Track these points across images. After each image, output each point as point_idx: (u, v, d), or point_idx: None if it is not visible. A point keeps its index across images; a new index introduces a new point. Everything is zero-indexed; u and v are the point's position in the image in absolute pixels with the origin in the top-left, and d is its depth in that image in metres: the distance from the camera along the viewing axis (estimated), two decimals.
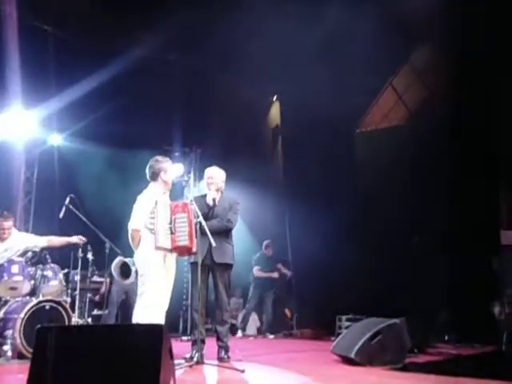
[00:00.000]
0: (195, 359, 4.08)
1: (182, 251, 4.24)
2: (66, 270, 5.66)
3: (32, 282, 5.05)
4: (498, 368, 4.57)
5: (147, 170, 4.45)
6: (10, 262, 5.02)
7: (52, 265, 5.27)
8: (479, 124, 6.89)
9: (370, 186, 8.30)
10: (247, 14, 6.53)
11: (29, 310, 4.57)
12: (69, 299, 5.47)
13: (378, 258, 7.68)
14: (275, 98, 9.99)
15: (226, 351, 4.67)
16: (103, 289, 7.07)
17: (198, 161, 9.05)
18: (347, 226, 7.75)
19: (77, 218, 5.74)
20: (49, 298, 4.85)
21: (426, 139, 7.71)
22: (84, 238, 5.59)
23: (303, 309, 8.53)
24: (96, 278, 6.80)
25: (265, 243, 8.60)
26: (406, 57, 8.41)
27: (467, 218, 6.90)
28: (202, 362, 4.06)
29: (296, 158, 8.96)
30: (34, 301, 4.69)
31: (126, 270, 4.69)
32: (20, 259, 5.11)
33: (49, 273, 5.16)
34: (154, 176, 4.39)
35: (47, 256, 5.29)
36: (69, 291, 5.73)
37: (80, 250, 5.88)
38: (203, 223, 4.22)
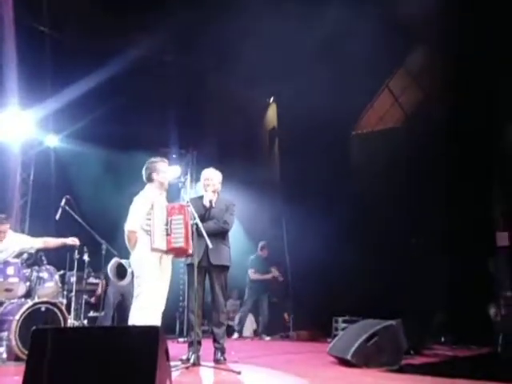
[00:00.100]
0: (191, 361, 4.08)
1: (177, 253, 4.24)
2: (61, 272, 5.65)
3: (27, 283, 5.03)
4: (494, 370, 4.57)
5: (143, 172, 4.46)
6: (6, 263, 5.01)
7: (48, 266, 5.26)
8: (475, 126, 6.91)
9: (367, 188, 8.31)
10: (244, 15, 6.54)
11: (24, 312, 4.55)
12: (64, 301, 5.45)
13: (375, 259, 7.68)
14: (272, 99, 10.00)
15: (223, 353, 4.66)
16: (99, 290, 7.07)
17: (194, 162, 9.05)
18: (344, 227, 7.75)
19: (73, 220, 5.73)
20: (44, 299, 4.84)
21: (422, 141, 7.72)
22: (77, 241, 5.57)
23: (299, 310, 8.52)
24: (92, 280, 6.79)
25: (260, 244, 8.59)
26: (402, 59, 8.44)
27: (463, 219, 6.92)
28: (199, 364, 4.06)
29: (293, 159, 8.95)
30: (30, 302, 4.67)
31: (122, 272, 4.69)
32: (16, 261, 5.10)
33: (44, 274, 5.15)
34: (150, 177, 4.41)
35: (43, 257, 5.27)
36: (65, 293, 5.73)
37: (76, 251, 5.86)
38: (200, 225, 4.22)
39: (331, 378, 3.98)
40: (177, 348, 5.55)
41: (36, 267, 5.13)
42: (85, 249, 5.99)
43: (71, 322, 5.44)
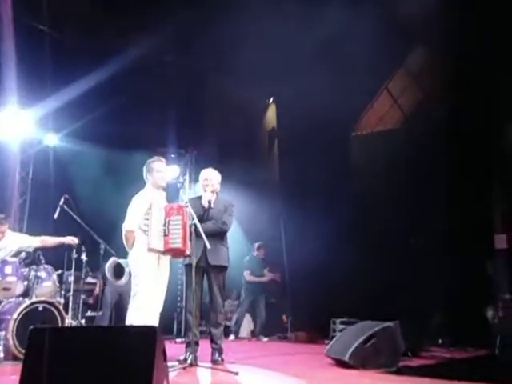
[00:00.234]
0: (189, 361, 4.08)
1: (175, 253, 4.23)
2: (59, 271, 5.64)
3: (25, 282, 5.02)
4: (492, 372, 4.57)
5: (143, 172, 4.47)
6: (4, 262, 5.00)
7: (46, 266, 5.25)
8: (475, 126, 6.91)
9: (366, 189, 8.31)
10: (244, 15, 6.54)
11: (22, 311, 4.55)
12: (62, 300, 5.44)
13: (373, 260, 7.68)
14: (272, 100, 10.00)
15: (220, 353, 4.66)
16: (97, 290, 7.06)
17: (193, 162, 9.04)
18: (343, 228, 7.74)
19: (71, 219, 5.73)
20: (42, 299, 4.83)
21: (421, 142, 7.72)
22: (76, 240, 5.56)
23: (297, 312, 8.51)
24: (90, 280, 6.78)
25: (256, 245, 8.56)
26: (402, 59, 8.44)
27: (462, 221, 6.92)
28: (196, 364, 4.05)
29: (292, 160, 8.95)
30: (27, 302, 4.67)
31: (119, 271, 4.68)
32: (14, 260, 5.09)
33: (42, 274, 5.14)
34: (147, 177, 4.42)
35: (41, 257, 5.27)
36: (62, 292, 5.71)
37: (74, 250, 5.86)
38: (198, 225, 4.22)
39: (329, 380, 3.98)
40: (174, 348, 5.54)
41: (34, 266, 5.13)
42: (83, 248, 5.99)
43: (69, 321, 5.44)
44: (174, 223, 4.09)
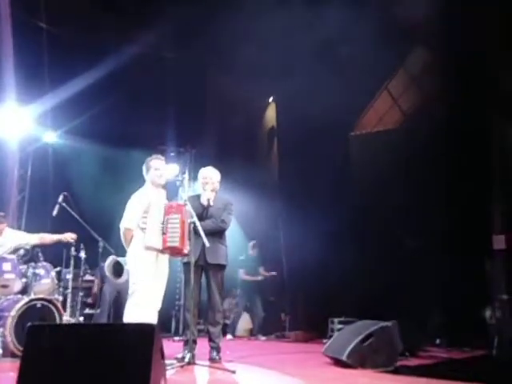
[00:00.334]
0: (187, 359, 4.07)
1: (172, 252, 4.21)
2: (58, 269, 5.63)
3: (24, 279, 5.02)
4: (489, 372, 4.58)
5: (143, 169, 4.47)
6: (2, 259, 4.99)
7: (44, 263, 5.25)
8: (475, 127, 6.91)
9: (365, 189, 8.31)
10: (244, 14, 6.53)
11: (20, 308, 4.54)
12: (60, 298, 5.45)
13: (372, 260, 7.69)
14: (271, 99, 9.99)
15: (218, 352, 4.66)
16: (95, 289, 7.04)
17: (192, 161, 9.02)
18: (342, 227, 7.75)
19: (70, 216, 5.72)
20: (40, 296, 4.82)
21: (421, 142, 7.73)
22: (75, 236, 5.56)
23: (296, 311, 8.52)
24: (88, 277, 6.78)
25: (251, 244, 8.56)
26: (402, 59, 8.44)
27: (460, 221, 6.92)
28: (194, 363, 4.05)
29: (292, 159, 8.95)
30: (26, 299, 4.66)
31: (118, 269, 4.67)
32: (12, 257, 5.08)
33: (41, 271, 5.14)
34: (146, 175, 4.41)
35: (39, 254, 5.27)
36: (61, 290, 5.71)
37: (73, 248, 5.85)
38: (197, 223, 4.21)
39: (327, 379, 3.98)
40: (172, 346, 5.54)
41: (32, 264, 5.12)
42: (81, 246, 5.98)
43: (67, 318, 5.44)
44: (172, 221, 4.08)
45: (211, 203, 4.73)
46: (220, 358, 4.62)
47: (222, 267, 4.78)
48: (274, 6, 6.46)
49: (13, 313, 4.48)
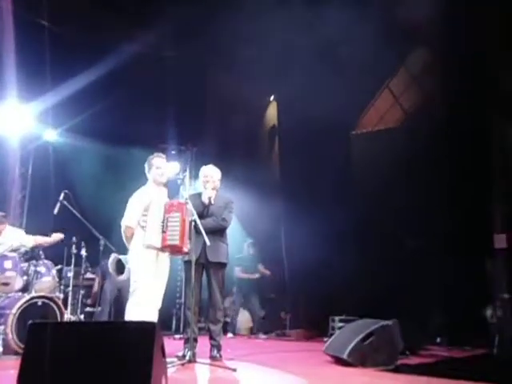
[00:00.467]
0: (187, 357, 4.08)
1: (172, 250, 4.21)
2: (59, 267, 5.65)
3: (25, 277, 5.03)
4: (490, 371, 4.58)
5: (145, 168, 4.48)
6: (3, 257, 5.01)
7: (45, 261, 5.26)
8: (475, 127, 6.91)
9: (367, 188, 8.31)
10: (244, 14, 6.52)
11: (21, 306, 4.55)
12: (61, 295, 5.46)
13: (372, 259, 7.69)
14: (272, 98, 9.98)
15: (219, 350, 4.67)
16: (96, 288, 7.04)
17: (193, 159, 9.01)
18: (343, 227, 7.74)
19: (71, 214, 5.72)
20: (41, 294, 4.83)
21: (422, 141, 7.72)
22: (62, 236, 5.58)
23: (296, 309, 8.52)
24: (89, 275, 6.78)
25: (247, 243, 8.55)
26: (402, 59, 8.43)
27: (461, 220, 6.92)
28: (194, 361, 4.06)
29: (293, 158, 8.94)
30: (27, 297, 4.67)
31: (120, 267, 4.68)
32: (13, 255, 5.10)
33: (42, 269, 5.15)
34: (147, 173, 4.42)
35: (40, 252, 5.28)
36: (62, 287, 5.72)
37: (74, 246, 5.86)
38: (198, 222, 4.21)
39: (327, 377, 3.99)
40: (173, 344, 5.54)
41: (33, 261, 5.14)
42: (82, 244, 5.99)
43: (68, 316, 5.44)
44: (172, 220, 4.08)
45: (212, 201, 4.73)
46: (221, 356, 4.63)
47: (222, 265, 4.78)
48: (273, 6, 6.45)
49: (14, 310, 4.49)
